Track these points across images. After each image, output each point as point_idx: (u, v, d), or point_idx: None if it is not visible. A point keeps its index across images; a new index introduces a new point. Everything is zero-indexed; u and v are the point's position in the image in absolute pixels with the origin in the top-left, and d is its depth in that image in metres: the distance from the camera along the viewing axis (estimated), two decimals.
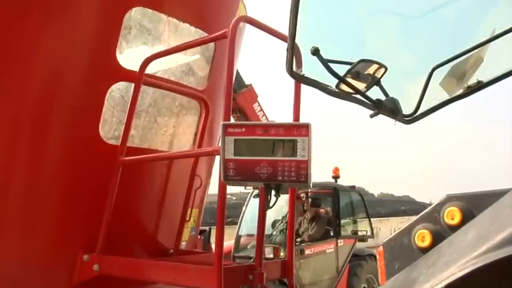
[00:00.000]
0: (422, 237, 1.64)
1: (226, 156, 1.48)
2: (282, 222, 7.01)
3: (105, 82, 2.33)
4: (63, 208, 2.27)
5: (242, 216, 7.34)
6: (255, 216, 2.06)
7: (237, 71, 6.58)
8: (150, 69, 2.41)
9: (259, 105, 7.55)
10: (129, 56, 2.45)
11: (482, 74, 1.66)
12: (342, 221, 7.56)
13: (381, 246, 1.76)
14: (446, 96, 1.73)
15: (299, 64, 1.78)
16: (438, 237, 1.60)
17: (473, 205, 1.61)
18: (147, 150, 2.56)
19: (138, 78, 2.33)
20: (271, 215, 7.07)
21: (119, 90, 2.47)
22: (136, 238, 2.58)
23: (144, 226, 2.64)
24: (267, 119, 7.55)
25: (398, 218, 21.43)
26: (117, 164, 2.27)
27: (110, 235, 2.25)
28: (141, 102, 2.48)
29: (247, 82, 7.45)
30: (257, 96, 7.55)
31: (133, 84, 2.36)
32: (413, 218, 1.75)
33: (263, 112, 7.59)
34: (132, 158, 2.31)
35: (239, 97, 7.22)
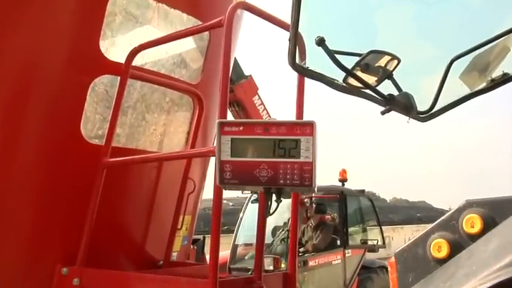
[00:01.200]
0: (439, 247, 1.65)
1: (222, 158, 1.48)
2: (283, 230, 7.02)
3: (87, 75, 2.33)
4: (39, 215, 2.27)
5: (239, 224, 7.35)
6: (254, 224, 2.06)
7: (236, 60, 6.57)
8: (137, 61, 2.41)
9: (260, 98, 7.55)
10: (113, 46, 2.45)
11: (508, 66, 1.66)
12: (350, 229, 7.58)
13: (393, 257, 1.77)
14: (467, 91, 1.74)
15: (302, 55, 1.79)
16: (456, 247, 1.61)
17: (496, 212, 1.61)
18: (134, 151, 2.56)
19: (124, 70, 2.34)
20: (271, 222, 7.08)
21: (103, 84, 2.47)
22: (122, 248, 2.58)
23: (130, 235, 2.64)
24: (268, 114, 7.55)
25: (413, 226, 21.47)
26: (101, 166, 2.27)
27: (92, 245, 2.25)
28: (127, 97, 2.48)
29: (246, 73, 7.44)
30: (257, 89, 7.54)
31: (118, 77, 2.36)
32: (430, 226, 1.76)
33: (264, 106, 7.58)
34: (118, 159, 2.32)
35: (237, 89, 7.21)
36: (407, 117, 1.65)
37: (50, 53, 2.26)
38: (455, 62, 1.73)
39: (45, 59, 2.26)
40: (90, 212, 2.25)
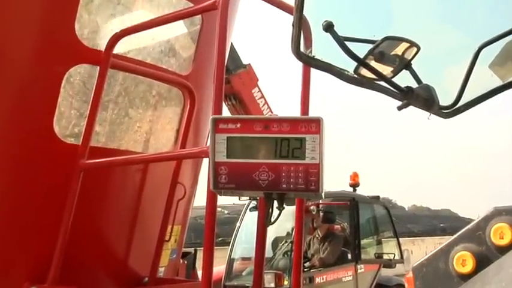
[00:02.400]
0: (463, 260, 1.66)
1: (216, 159, 1.49)
2: (286, 242, 7.03)
3: (60, 64, 2.34)
4: (3, 226, 2.27)
5: (236, 235, 7.36)
6: (252, 235, 2.07)
7: (233, 46, 6.58)
8: (119, 49, 2.42)
9: (260, 90, 7.56)
10: (91, 31, 2.46)
11: None
12: (363, 241, 7.60)
13: (411, 272, 1.78)
14: (498, 82, 1.75)
15: (308, 43, 1.80)
16: (483, 261, 1.62)
17: None
18: (115, 152, 2.57)
19: (104, 59, 2.34)
20: (272, 233, 7.09)
21: (79, 74, 2.47)
22: (102, 264, 2.59)
23: (111, 248, 2.65)
24: (269, 109, 7.57)
25: (436, 237, 21.50)
26: (78, 169, 2.28)
27: (66, 260, 2.25)
28: (108, 90, 2.49)
29: (245, 62, 7.45)
30: (257, 80, 7.56)
31: (97, 67, 2.37)
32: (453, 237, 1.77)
33: (264, 100, 7.59)
34: (97, 161, 2.32)
35: (235, 79, 7.22)
36: (428, 113, 1.66)
37: (15, 39, 2.26)
38: (483, 50, 1.74)
39: (10, 46, 2.26)
40: (64, 222, 2.26)
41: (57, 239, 2.24)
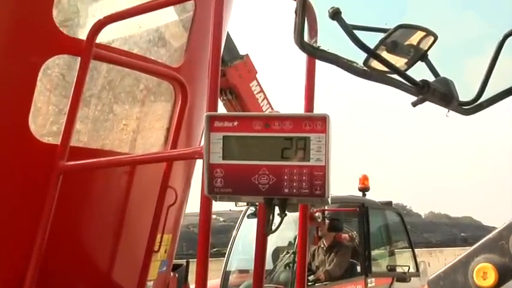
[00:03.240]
0: (484, 273, 1.66)
1: (212, 161, 1.49)
2: (288, 252, 7.05)
3: (36, 55, 2.34)
4: None
5: (232, 245, 7.38)
6: (251, 245, 2.08)
7: (229, 36, 6.59)
8: (102, 38, 2.41)
9: (259, 84, 7.58)
10: (72, 18, 2.45)
11: None
12: (374, 252, 7.62)
13: (426, 286, 1.79)
14: None
15: (313, 32, 1.80)
16: (506, 274, 1.62)
17: None
18: (99, 152, 2.57)
19: (86, 49, 2.34)
20: (273, 243, 7.10)
21: (58, 66, 2.48)
22: (83, 276, 2.59)
23: (94, 259, 2.65)
24: (270, 105, 7.59)
25: (456, 248, 21.53)
26: (56, 172, 2.28)
27: (43, 272, 2.25)
28: (90, 84, 2.49)
29: (242, 53, 7.46)
30: (256, 72, 7.58)
31: (78, 58, 2.37)
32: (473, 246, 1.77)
33: (264, 95, 7.61)
34: (78, 162, 2.32)
35: (231, 72, 7.25)
36: (446, 110, 1.67)
37: None
38: (509, 38, 1.74)
39: None
40: (41, 229, 2.26)
41: (33, 248, 2.24)
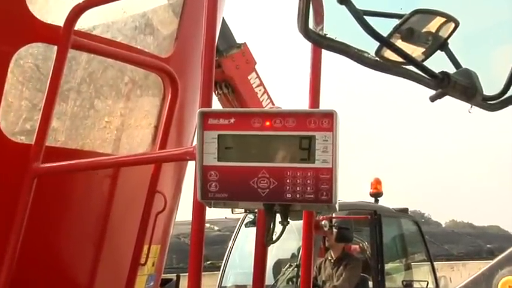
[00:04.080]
0: (509, 286, 1.67)
1: (205, 162, 1.49)
2: (291, 265, 7.06)
3: (7, 43, 2.34)
4: None
5: (228, 257, 7.39)
6: (249, 257, 2.08)
7: (225, 22, 6.60)
8: (82, 24, 2.41)
9: (258, 76, 7.58)
10: (47, 3, 2.45)
11: None
12: (388, 266, 7.64)
13: None
14: None
15: (319, 18, 1.80)
16: None
17: None
18: (78, 153, 2.57)
19: (64, 37, 2.33)
20: (274, 255, 7.11)
21: (32, 56, 2.48)
22: None
23: (72, 272, 2.65)
24: (270, 100, 7.60)
25: (482, 261, 21.58)
26: (30, 175, 2.27)
27: (15, 286, 2.24)
28: (68, 76, 2.49)
29: (239, 42, 7.47)
30: (255, 63, 7.58)
31: (55, 47, 2.36)
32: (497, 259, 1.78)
33: (264, 88, 7.62)
34: (54, 164, 2.32)
35: (227, 62, 7.25)
36: (469, 105, 1.67)
37: None
38: None
39: None
40: (12, 239, 2.25)
41: (3, 260, 2.24)
